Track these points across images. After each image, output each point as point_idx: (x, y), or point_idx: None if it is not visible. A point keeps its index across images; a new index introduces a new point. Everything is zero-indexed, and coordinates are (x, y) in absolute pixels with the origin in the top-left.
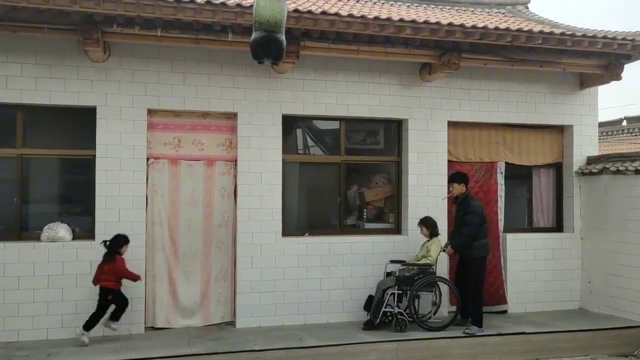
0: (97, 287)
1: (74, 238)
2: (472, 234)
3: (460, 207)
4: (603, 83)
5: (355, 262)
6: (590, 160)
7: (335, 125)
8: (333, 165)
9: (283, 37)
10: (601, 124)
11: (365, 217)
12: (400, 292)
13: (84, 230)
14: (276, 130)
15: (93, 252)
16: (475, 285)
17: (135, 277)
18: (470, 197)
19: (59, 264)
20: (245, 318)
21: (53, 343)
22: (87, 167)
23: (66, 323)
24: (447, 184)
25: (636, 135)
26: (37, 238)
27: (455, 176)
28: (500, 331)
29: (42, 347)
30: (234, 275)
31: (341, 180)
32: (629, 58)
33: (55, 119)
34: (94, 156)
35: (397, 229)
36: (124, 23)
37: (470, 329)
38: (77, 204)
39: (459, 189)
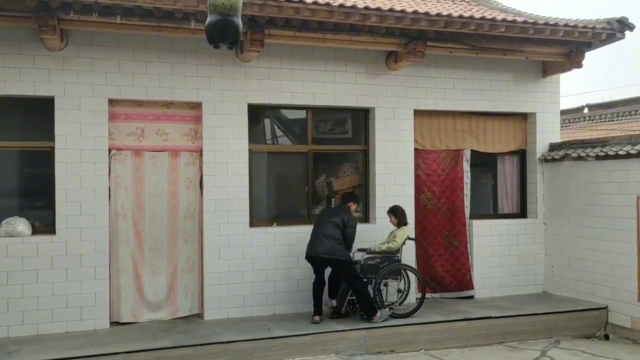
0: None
1: (34, 233)
2: None
3: None
4: (565, 71)
5: None
6: (553, 147)
7: (302, 114)
8: (301, 154)
9: (239, 21)
10: (563, 112)
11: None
12: (365, 280)
13: (44, 225)
14: (242, 120)
15: (54, 246)
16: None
17: None
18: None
19: (18, 259)
20: (213, 310)
21: (14, 340)
22: (46, 159)
23: (27, 320)
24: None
25: (597, 122)
26: None
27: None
28: (467, 316)
29: (3, 345)
30: (201, 267)
31: (309, 169)
32: (590, 46)
33: (11, 110)
34: (53, 148)
35: (365, 218)
36: (81, 10)
37: (372, 319)
38: (36, 197)
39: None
